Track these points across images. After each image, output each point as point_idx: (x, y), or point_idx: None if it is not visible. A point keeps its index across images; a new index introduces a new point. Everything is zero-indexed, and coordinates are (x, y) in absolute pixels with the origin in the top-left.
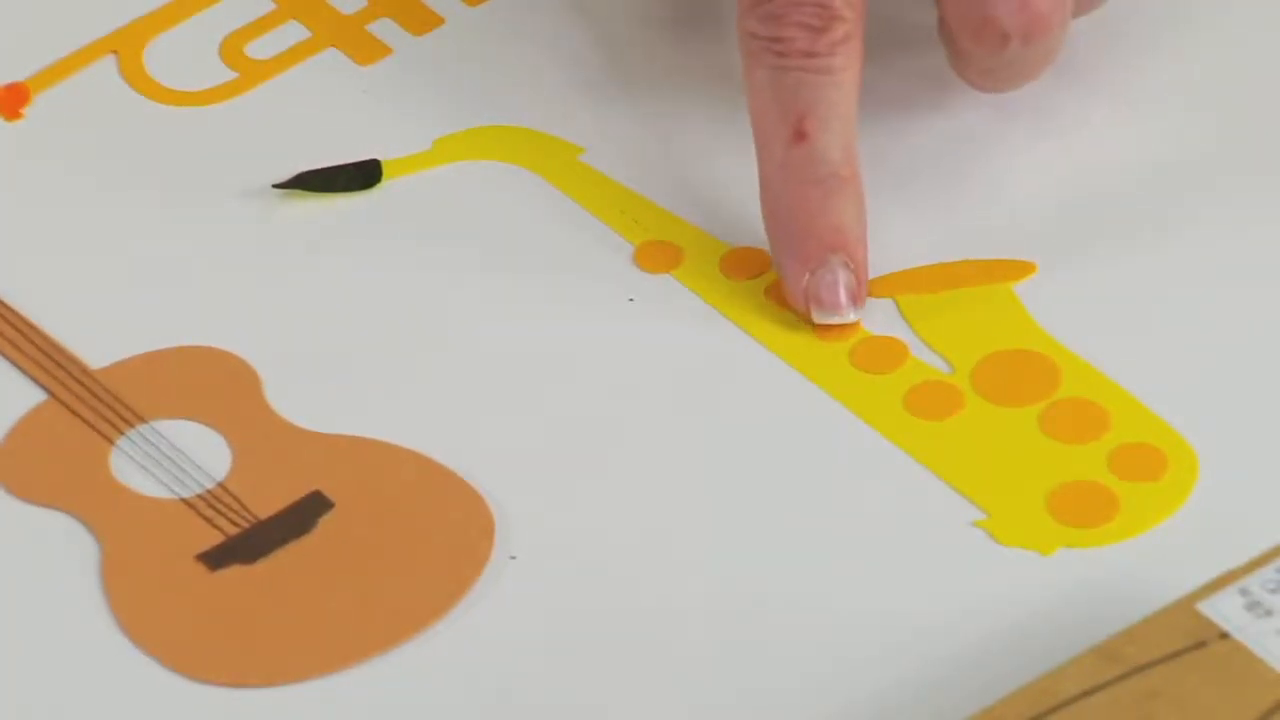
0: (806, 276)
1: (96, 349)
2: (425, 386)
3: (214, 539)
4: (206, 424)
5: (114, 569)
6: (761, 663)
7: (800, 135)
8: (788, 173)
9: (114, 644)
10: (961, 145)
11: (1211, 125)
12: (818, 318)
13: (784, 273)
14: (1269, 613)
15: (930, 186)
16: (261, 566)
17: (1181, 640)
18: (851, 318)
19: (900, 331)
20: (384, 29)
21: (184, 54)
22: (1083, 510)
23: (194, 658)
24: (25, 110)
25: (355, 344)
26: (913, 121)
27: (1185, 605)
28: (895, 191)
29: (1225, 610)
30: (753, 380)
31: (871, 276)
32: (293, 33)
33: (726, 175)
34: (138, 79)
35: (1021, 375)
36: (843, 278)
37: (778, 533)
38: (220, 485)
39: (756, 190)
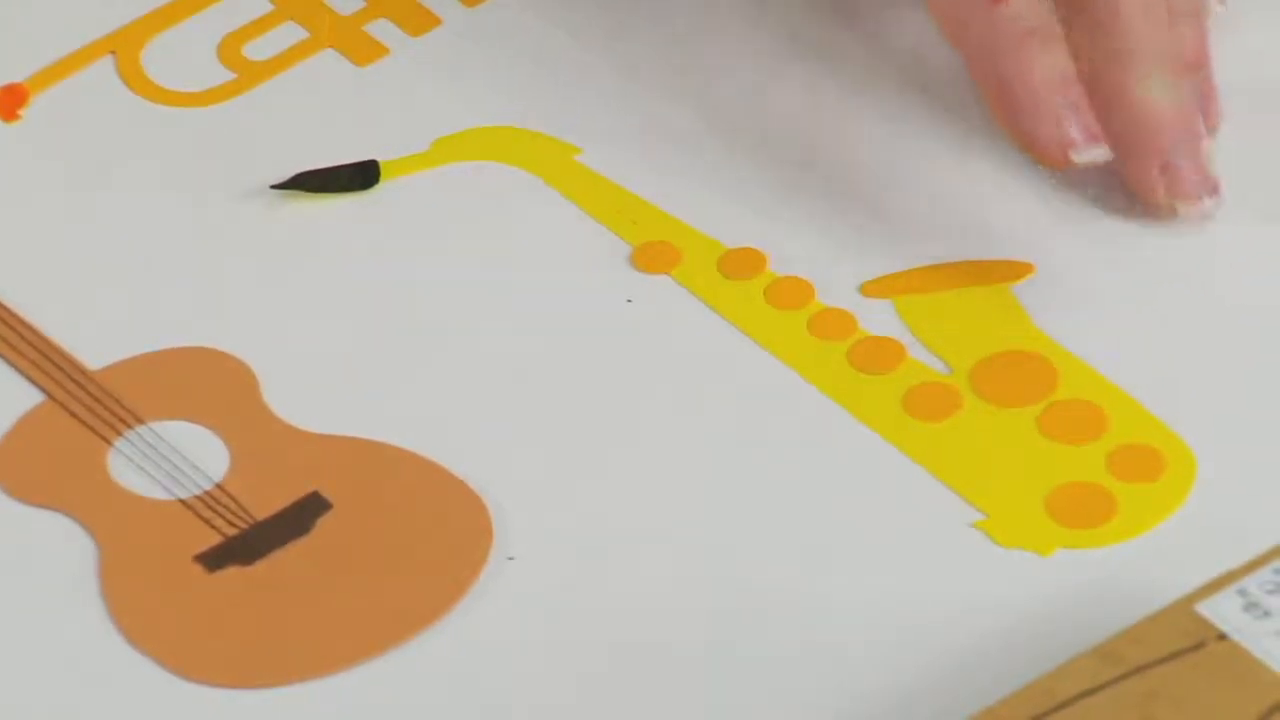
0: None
1: (94, 350)
2: (423, 387)
3: (212, 540)
4: (204, 425)
5: (112, 570)
6: (760, 664)
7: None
8: (1000, 30)
9: (112, 645)
10: (961, 145)
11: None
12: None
13: (1025, 136)
14: (1267, 614)
15: (929, 187)
16: (259, 567)
17: (1180, 641)
18: (1098, 154)
19: (898, 332)
20: (382, 30)
21: (182, 55)
22: (1081, 511)
23: (192, 659)
24: (23, 111)
25: (353, 345)
26: (912, 122)
27: (1184, 606)
28: (893, 192)
29: (1224, 611)
30: (751, 381)
31: (870, 278)
32: (290, 33)
33: (725, 176)
34: (136, 80)
35: (1020, 376)
36: (1075, 120)
37: (776, 534)
38: (218, 486)
39: (755, 191)
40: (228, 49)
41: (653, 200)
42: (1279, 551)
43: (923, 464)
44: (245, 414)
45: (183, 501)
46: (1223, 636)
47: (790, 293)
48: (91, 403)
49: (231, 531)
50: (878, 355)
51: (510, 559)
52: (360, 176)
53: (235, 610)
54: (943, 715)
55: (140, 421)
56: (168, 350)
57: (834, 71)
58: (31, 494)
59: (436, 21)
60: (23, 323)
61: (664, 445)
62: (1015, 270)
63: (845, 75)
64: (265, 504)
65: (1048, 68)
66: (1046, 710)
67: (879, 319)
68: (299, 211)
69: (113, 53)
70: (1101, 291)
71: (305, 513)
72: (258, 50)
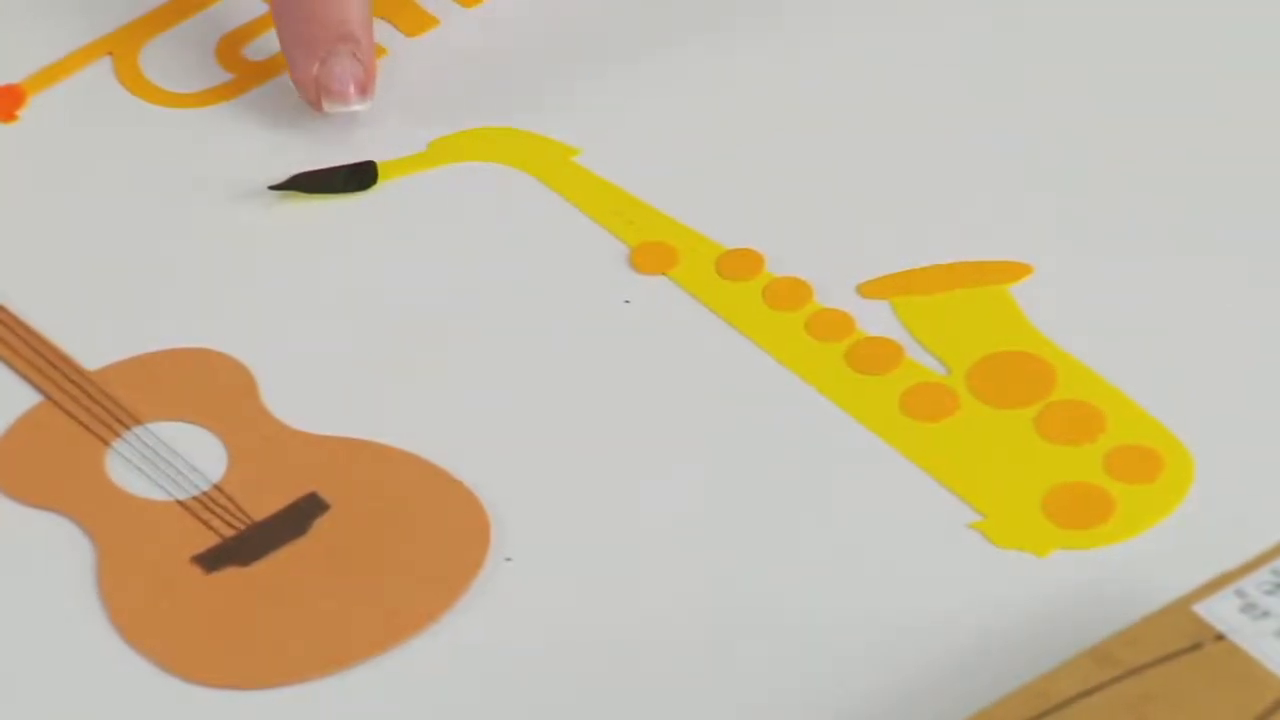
0: (316, 66)
1: (92, 350)
2: (421, 388)
3: (210, 541)
4: (202, 425)
5: (110, 571)
6: (756, 665)
7: None
8: None
9: (110, 646)
10: (958, 145)
11: (1207, 128)
12: (328, 107)
13: (293, 63)
14: (1265, 614)
15: (926, 188)
16: (257, 568)
17: (1177, 642)
18: (358, 108)
19: (896, 333)
20: (380, 30)
21: (180, 56)
22: (1078, 512)
23: (190, 660)
24: (20, 112)
25: (351, 346)
26: (909, 122)
27: (1181, 607)
28: (891, 192)
29: (1221, 612)
30: (748, 381)
31: (867, 279)
32: None
33: (722, 176)
34: (133, 81)
35: (1017, 377)
36: (350, 68)
37: (773, 534)
38: (216, 487)
39: (753, 190)
40: (226, 50)
41: (650, 201)
42: (1277, 552)
43: (920, 464)
44: (243, 415)
45: (180, 502)
46: (1220, 637)
47: (788, 293)
48: (89, 403)
49: (229, 532)
50: (875, 356)
51: (508, 560)
52: (358, 177)
53: (233, 611)
54: (939, 716)
55: (138, 422)
56: (165, 351)
57: (837, 72)
58: (30, 495)
59: (435, 22)
60: (20, 324)
61: (662, 446)
62: (1013, 272)
63: (838, 76)
64: (263, 505)
65: (336, 6)
66: (1042, 712)
67: (877, 320)
68: (296, 212)
69: (110, 54)
70: (1099, 293)
71: (303, 514)
72: (256, 51)
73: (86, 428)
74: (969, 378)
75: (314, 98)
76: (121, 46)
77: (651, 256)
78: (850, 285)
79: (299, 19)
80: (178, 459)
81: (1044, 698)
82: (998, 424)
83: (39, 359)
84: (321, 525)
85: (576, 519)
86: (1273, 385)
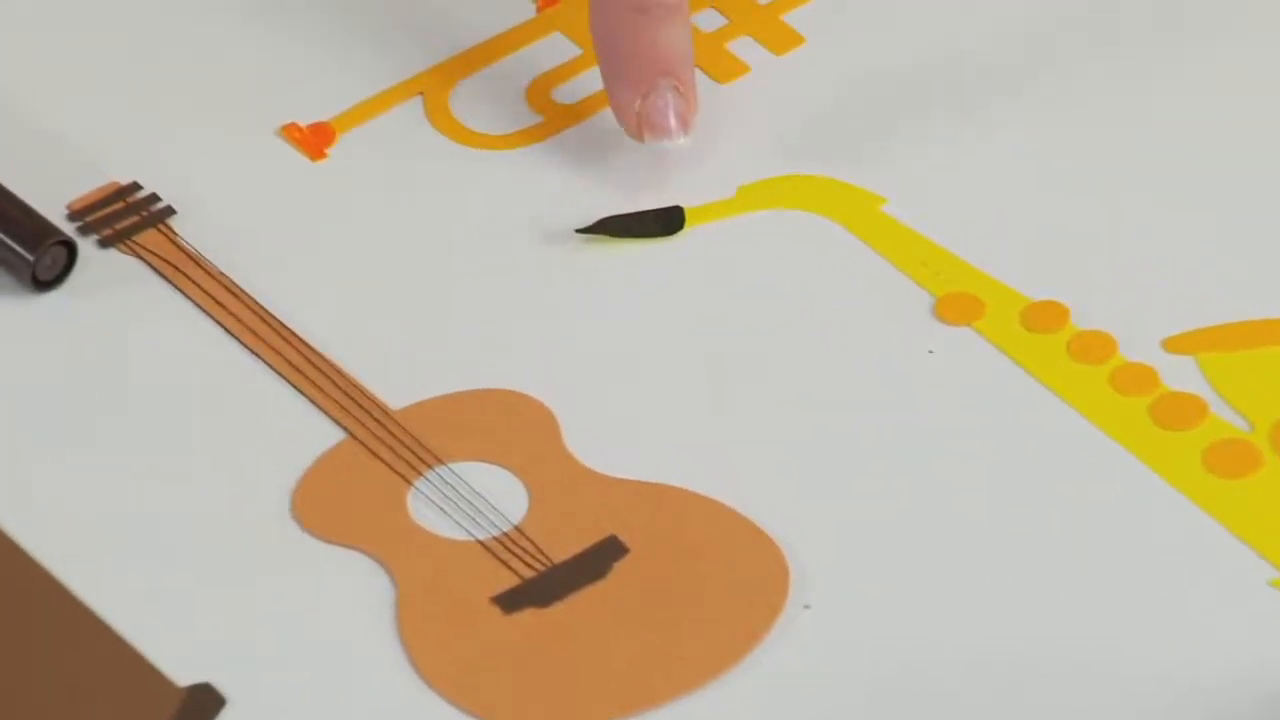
0: (638, 101)
1: (396, 390)
2: (722, 433)
3: (509, 582)
4: (504, 466)
5: (410, 609)
6: (1053, 716)
7: None
8: (618, 2)
9: (409, 684)
10: (1267, 204)
11: None
12: (650, 140)
13: (615, 98)
14: None
15: (1234, 244)
16: (556, 610)
17: None
18: (682, 142)
19: (1200, 389)
20: None
21: (490, 97)
22: None
23: (487, 699)
24: (330, 150)
25: (653, 390)
26: (1218, 177)
27: None
28: (1198, 247)
29: None
30: (1050, 434)
31: (1174, 333)
32: (599, 79)
33: (1029, 228)
34: (443, 121)
35: None
36: (674, 102)
37: (1071, 585)
38: (516, 528)
39: (1060, 244)
40: (536, 92)
41: (956, 251)
42: None
43: (1221, 520)
44: (545, 457)
45: (481, 542)
46: None
47: (1092, 347)
48: (393, 442)
49: (529, 574)
50: (1179, 411)
51: (806, 607)
52: (665, 222)
53: (531, 653)
54: None
55: (440, 462)
56: (469, 392)
57: (1149, 127)
58: (332, 532)
59: (745, 69)
60: (327, 362)
61: (962, 497)
62: None
63: (1151, 131)
64: (563, 547)
65: (660, 40)
66: None
67: (1181, 375)
68: (603, 255)
69: (421, 93)
70: None
71: (602, 557)
72: (566, 94)
73: (389, 466)
74: (1273, 435)
75: (636, 131)
76: (432, 86)
77: (957, 307)
78: (1155, 339)
79: (622, 53)
80: (479, 499)
81: None
82: None
83: (344, 397)
84: (620, 569)
85: (875, 567)
86: None
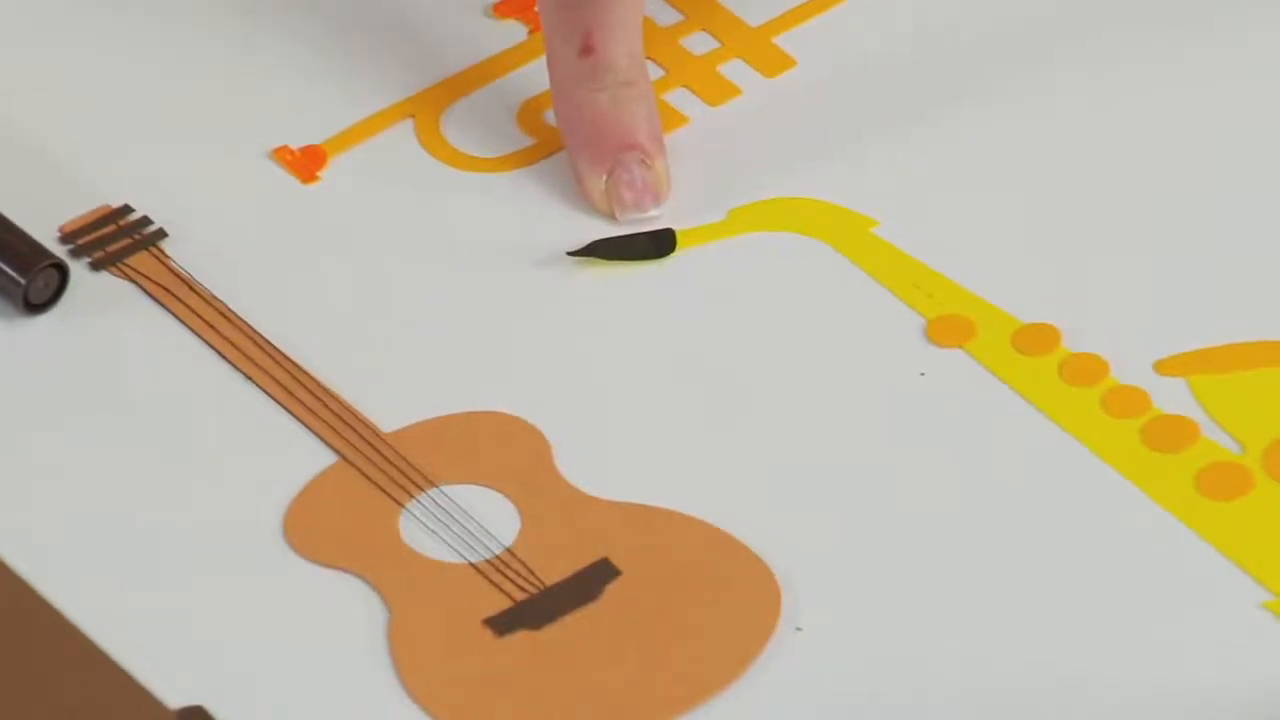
0: (604, 179)
1: (388, 412)
2: (713, 455)
3: (501, 604)
4: (495, 489)
5: (401, 631)
6: None
7: (588, 49)
8: (578, 83)
9: (400, 706)
10: (1261, 225)
11: None
12: (621, 216)
13: (581, 178)
14: None
15: (1226, 266)
16: (548, 633)
17: None
18: (654, 213)
19: (1192, 411)
20: (679, 99)
21: (482, 120)
22: None
23: None
24: (321, 173)
25: (644, 412)
26: (1208, 199)
27: None
28: (1187, 268)
29: None
30: (1041, 456)
31: (1166, 355)
32: None
33: (1020, 250)
34: (435, 144)
35: None
36: (639, 174)
37: (1064, 609)
38: (508, 550)
39: (1051, 264)
40: (527, 115)
41: (948, 273)
42: None
43: (1213, 543)
44: (537, 479)
45: (473, 565)
46: None
47: (1084, 369)
48: (384, 464)
49: (521, 596)
50: (1171, 434)
51: (798, 630)
52: (657, 244)
53: (523, 675)
54: None
55: (432, 484)
56: (460, 414)
57: (1139, 148)
58: (323, 554)
59: (737, 92)
60: (318, 384)
61: (954, 520)
62: None
63: (1141, 151)
64: (555, 569)
65: (623, 116)
66: None
67: (1173, 397)
68: (594, 278)
69: (412, 116)
70: None
71: (595, 579)
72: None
73: (381, 489)
74: (1265, 457)
75: (605, 208)
76: (424, 109)
77: (948, 329)
78: (1147, 362)
79: (584, 133)
80: (471, 521)
81: None
82: None
83: (336, 420)
84: (612, 591)
85: (867, 589)
86: None
